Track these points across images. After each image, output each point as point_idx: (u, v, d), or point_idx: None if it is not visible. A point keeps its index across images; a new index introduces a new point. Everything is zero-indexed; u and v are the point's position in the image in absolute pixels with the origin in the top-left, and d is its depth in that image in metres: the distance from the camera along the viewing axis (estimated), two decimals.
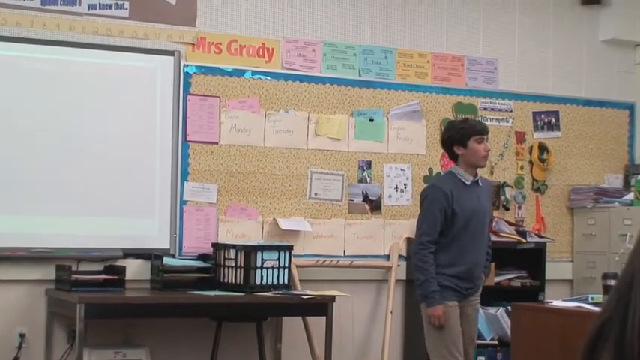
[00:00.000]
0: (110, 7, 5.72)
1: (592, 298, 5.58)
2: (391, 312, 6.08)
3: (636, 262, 1.16)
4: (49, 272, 5.46)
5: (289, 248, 5.68)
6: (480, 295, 5.21)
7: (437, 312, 4.94)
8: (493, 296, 6.12)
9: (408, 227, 6.33)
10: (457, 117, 6.54)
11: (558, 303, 5.57)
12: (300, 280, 5.90)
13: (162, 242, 5.75)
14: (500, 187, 6.65)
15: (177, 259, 5.70)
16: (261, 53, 6.06)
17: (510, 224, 6.57)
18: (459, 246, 5.00)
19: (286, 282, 5.62)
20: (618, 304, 1.19)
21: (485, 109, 6.62)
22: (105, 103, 5.67)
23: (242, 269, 5.53)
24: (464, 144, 5.04)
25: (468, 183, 5.07)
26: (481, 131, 5.11)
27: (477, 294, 5.16)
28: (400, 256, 6.27)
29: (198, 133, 5.87)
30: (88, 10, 5.66)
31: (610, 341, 1.17)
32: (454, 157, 5.13)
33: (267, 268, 5.55)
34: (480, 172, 5.27)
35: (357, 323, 6.25)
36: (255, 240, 5.86)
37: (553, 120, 6.86)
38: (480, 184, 5.17)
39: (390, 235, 6.31)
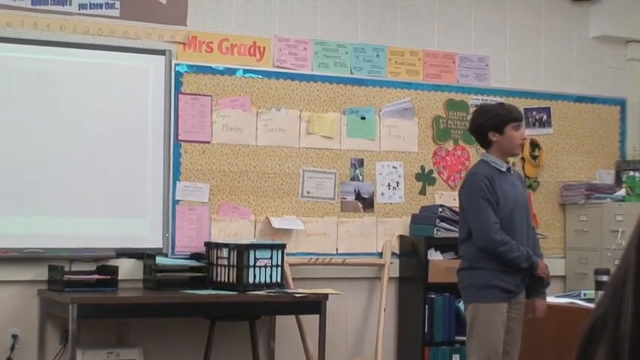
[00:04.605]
0: (101, 6, 5.70)
1: (584, 294, 5.60)
2: (384, 309, 6.08)
3: (630, 257, 1.16)
4: (41, 273, 5.45)
5: (282, 247, 5.68)
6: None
7: (543, 265, 4.83)
8: None
9: (400, 225, 6.34)
10: (449, 114, 6.55)
11: (551, 299, 5.58)
12: (293, 279, 5.89)
13: (155, 242, 5.74)
14: None
15: (170, 259, 5.69)
16: (252, 52, 6.06)
17: None
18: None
19: (279, 280, 5.61)
20: (612, 300, 1.19)
21: (476, 106, 6.61)
22: (96, 103, 5.65)
23: (235, 268, 5.53)
24: (500, 130, 4.79)
25: (503, 169, 4.82)
26: (518, 118, 4.90)
27: (523, 294, 4.90)
28: (393, 253, 6.27)
29: (190, 133, 5.86)
30: (79, 9, 5.65)
31: (604, 337, 1.17)
32: (486, 144, 4.87)
33: (260, 266, 5.54)
34: None
35: (350, 321, 6.25)
36: (247, 239, 5.86)
37: (544, 116, 6.87)
38: (512, 172, 4.95)
39: (382, 233, 6.31)
